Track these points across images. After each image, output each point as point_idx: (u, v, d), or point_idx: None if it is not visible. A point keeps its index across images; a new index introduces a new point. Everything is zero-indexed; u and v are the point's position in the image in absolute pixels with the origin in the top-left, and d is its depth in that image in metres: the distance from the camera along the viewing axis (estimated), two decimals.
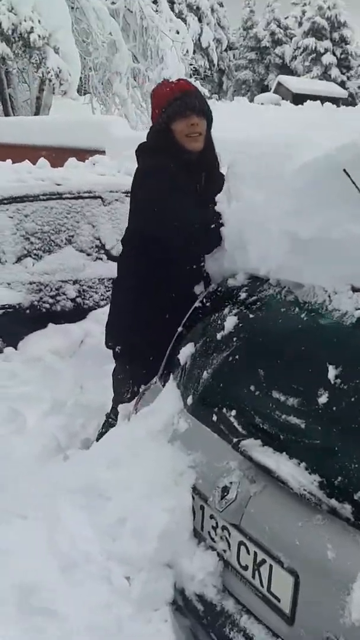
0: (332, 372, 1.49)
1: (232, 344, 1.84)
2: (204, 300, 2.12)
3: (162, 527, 1.71)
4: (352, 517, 1.32)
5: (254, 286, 1.94)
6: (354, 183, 1.50)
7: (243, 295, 1.95)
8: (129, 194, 3.97)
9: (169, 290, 2.27)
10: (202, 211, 2.10)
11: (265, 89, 39.52)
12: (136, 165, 2.40)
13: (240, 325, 1.86)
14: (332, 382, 1.48)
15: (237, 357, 1.81)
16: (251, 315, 1.86)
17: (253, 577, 1.54)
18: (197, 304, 2.14)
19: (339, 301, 1.61)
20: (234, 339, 1.85)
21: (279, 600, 1.45)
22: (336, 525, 1.35)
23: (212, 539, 1.68)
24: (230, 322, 1.88)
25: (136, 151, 2.39)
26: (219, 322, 1.94)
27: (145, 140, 2.39)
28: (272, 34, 42.67)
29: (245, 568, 1.56)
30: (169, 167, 2.19)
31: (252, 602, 1.55)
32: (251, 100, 28.32)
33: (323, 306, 1.64)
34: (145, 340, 2.31)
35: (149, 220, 2.23)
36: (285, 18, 43.75)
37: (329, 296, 1.64)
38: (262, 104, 25.39)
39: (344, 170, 1.50)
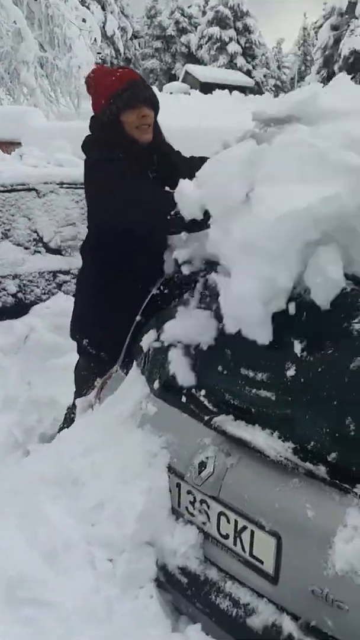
0: (297, 346, 1.60)
1: None
2: (161, 288, 2.17)
3: (139, 508, 1.74)
4: (327, 477, 1.42)
5: (211, 270, 2.00)
6: None
7: (201, 279, 2.01)
8: (63, 185, 3.97)
9: (132, 281, 2.23)
10: (161, 195, 2.06)
11: (173, 77, 39.70)
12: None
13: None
14: (299, 355, 1.59)
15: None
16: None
17: (235, 544, 1.61)
18: (154, 291, 2.17)
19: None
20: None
21: (262, 563, 1.54)
22: (313, 487, 1.45)
23: (191, 514, 1.74)
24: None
25: (82, 145, 2.31)
26: (180, 307, 1.99)
27: (89, 132, 2.32)
28: (177, 22, 42.84)
29: (226, 537, 1.64)
30: (118, 158, 2.15)
31: (234, 568, 1.63)
32: (160, 90, 28.26)
33: None
34: (110, 335, 2.27)
35: (104, 214, 2.20)
36: (189, 7, 44.02)
37: None
38: (171, 93, 25.47)
39: None
